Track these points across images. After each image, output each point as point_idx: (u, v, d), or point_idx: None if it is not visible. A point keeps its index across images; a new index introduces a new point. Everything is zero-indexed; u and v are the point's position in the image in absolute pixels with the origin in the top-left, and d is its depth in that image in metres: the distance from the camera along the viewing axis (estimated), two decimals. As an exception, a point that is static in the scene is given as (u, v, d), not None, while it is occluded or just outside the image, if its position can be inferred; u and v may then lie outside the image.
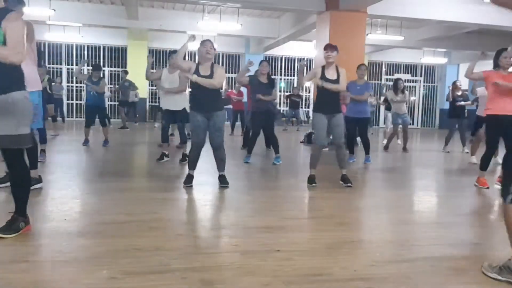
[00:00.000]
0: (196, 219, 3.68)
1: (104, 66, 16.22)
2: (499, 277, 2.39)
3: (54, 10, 11.08)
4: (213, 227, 3.40)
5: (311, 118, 12.77)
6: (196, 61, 4.66)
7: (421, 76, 19.27)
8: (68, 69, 16.02)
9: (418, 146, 9.63)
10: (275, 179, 5.05)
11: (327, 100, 4.87)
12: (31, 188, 3.79)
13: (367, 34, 10.67)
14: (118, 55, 16.13)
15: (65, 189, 4.70)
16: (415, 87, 19.10)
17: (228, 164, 6.54)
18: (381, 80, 18.59)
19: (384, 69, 18.71)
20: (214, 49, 4.59)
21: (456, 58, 18.03)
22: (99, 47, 16.13)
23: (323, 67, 4.96)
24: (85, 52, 16.11)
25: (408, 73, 19.01)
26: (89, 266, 2.45)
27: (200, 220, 3.66)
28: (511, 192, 2.30)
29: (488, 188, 5.08)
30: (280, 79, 18.44)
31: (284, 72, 18.42)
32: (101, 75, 8.36)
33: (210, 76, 4.47)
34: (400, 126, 9.00)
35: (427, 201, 4.74)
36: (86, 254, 2.64)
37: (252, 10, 12.81)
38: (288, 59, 18.22)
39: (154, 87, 14.15)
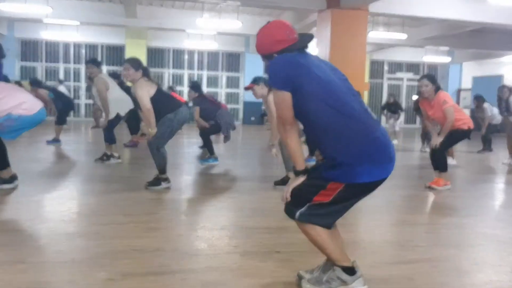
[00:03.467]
0: (196, 220, 3.66)
1: (102, 64, 16.18)
2: None
3: (52, 8, 11.03)
4: (213, 228, 3.37)
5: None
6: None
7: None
8: (65, 68, 15.99)
9: (417, 145, 9.63)
10: (274, 179, 5.02)
11: None
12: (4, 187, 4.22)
13: (368, 32, 10.62)
14: (116, 54, 16.09)
15: (62, 189, 4.68)
16: (416, 87, 19.06)
17: (225, 164, 6.55)
18: (383, 79, 18.56)
19: (386, 68, 18.66)
20: (136, 68, 4.49)
21: (459, 57, 17.98)
22: (97, 46, 16.09)
23: None
24: (83, 51, 16.08)
25: (410, 72, 18.97)
26: (87, 267, 2.43)
27: (199, 221, 3.64)
28: (297, 209, 2.10)
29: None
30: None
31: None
32: None
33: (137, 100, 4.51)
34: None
35: (428, 202, 4.72)
36: (85, 255, 2.62)
37: (252, 8, 12.77)
38: (288, 58, 18.17)
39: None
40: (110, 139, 6.23)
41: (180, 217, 3.73)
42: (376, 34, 12.54)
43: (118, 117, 6.24)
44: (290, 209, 2.16)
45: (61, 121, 8.31)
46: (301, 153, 2.11)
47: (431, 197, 4.85)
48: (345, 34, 9.13)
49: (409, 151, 9.53)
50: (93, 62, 6.19)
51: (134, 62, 4.56)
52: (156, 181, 4.58)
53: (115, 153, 6.29)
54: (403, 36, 13.00)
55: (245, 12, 13.10)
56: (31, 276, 2.31)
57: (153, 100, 4.43)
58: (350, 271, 2.15)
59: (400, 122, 10.80)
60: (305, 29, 12.35)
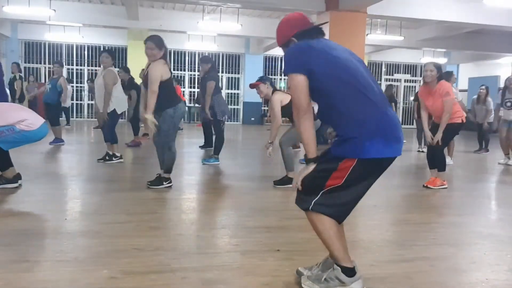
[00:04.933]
0: (196, 219, 3.68)
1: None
2: None
3: (55, 10, 11.08)
4: (213, 227, 3.40)
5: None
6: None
7: (420, 76, 19.25)
8: (68, 69, 16.03)
9: (415, 145, 9.64)
10: (274, 179, 5.05)
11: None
12: (8, 186, 4.24)
13: (367, 34, 10.67)
14: (118, 55, 16.10)
15: (65, 188, 4.71)
16: (415, 87, 19.10)
17: (226, 164, 6.58)
18: (381, 80, 18.60)
19: (384, 69, 18.72)
20: (160, 48, 4.43)
21: (455, 58, 18.04)
22: (99, 47, 16.12)
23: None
24: (85, 52, 16.12)
25: (407, 73, 19.02)
26: (89, 266, 2.45)
27: (200, 220, 3.66)
28: (311, 198, 2.11)
29: (446, 187, 5.13)
30: (280, 79, 18.45)
31: (284, 72, 18.42)
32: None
33: (147, 73, 4.44)
34: None
35: (426, 201, 4.74)
36: (87, 254, 2.65)
37: (252, 10, 12.81)
38: (288, 59, 18.20)
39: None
40: (112, 138, 6.26)
41: (180, 216, 3.75)
42: (374, 36, 12.59)
43: (116, 115, 6.27)
44: (302, 199, 2.16)
45: (56, 122, 8.30)
46: (314, 141, 2.12)
47: (428, 196, 4.88)
48: (344, 36, 9.14)
49: (407, 151, 9.55)
50: (109, 52, 6.35)
51: (159, 41, 4.43)
52: (158, 181, 4.61)
53: (116, 153, 6.32)
54: (400, 38, 13.06)
55: (245, 14, 13.15)
56: (34, 275, 2.33)
57: (162, 85, 4.33)
58: (350, 272, 2.15)
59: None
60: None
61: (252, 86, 5.11)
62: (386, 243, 3.16)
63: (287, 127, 5.18)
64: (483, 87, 9.27)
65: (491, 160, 8.32)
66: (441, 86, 4.89)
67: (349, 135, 2.01)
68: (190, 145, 9.20)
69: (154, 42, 4.44)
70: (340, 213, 2.14)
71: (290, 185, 4.87)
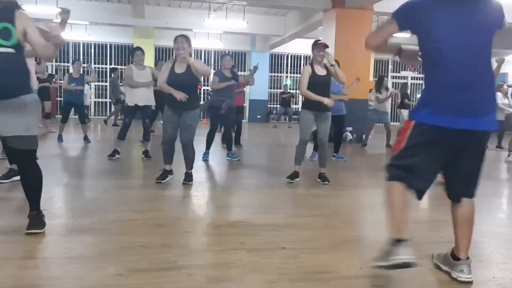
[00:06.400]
0: (202, 217, 3.69)
1: (110, 64, 16.28)
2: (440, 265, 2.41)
3: (61, 8, 11.13)
4: (219, 225, 3.41)
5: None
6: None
7: (427, 73, 19.15)
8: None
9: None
10: (280, 177, 5.05)
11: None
12: (12, 180, 4.24)
13: (373, 32, 10.62)
14: (124, 53, 16.18)
15: (72, 185, 4.74)
16: (421, 84, 18.99)
17: (232, 162, 6.59)
18: (387, 77, 18.51)
19: (390, 67, 18.63)
20: (189, 45, 4.57)
21: (463, 55, 17.90)
22: (106, 45, 16.20)
23: (311, 65, 4.93)
24: (92, 50, 16.18)
25: (414, 71, 18.90)
26: (96, 263, 2.47)
27: (206, 217, 3.67)
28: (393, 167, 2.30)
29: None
30: (286, 76, 18.43)
31: (290, 69, 18.41)
32: (82, 71, 8.60)
33: (186, 72, 4.51)
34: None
35: (431, 199, 4.72)
36: (93, 251, 2.66)
37: (258, 8, 12.81)
38: (294, 57, 18.20)
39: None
40: (124, 135, 6.32)
41: (187, 214, 3.76)
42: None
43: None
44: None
45: (85, 119, 8.56)
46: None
47: (433, 194, 4.84)
48: (350, 33, 9.13)
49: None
50: (143, 51, 6.70)
51: (188, 39, 4.65)
52: (164, 175, 4.71)
53: (118, 148, 6.38)
54: (407, 35, 12.98)
55: (251, 11, 13.14)
56: (41, 272, 2.36)
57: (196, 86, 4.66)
58: (395, 242, 2.22)
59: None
60: (310, 28, 12.36)
61: (324, 45, 4.89)
62: (392, 241, 3.14)
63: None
64: (505, 83, 9.37)
65: (499, 158, 8.26)
66: None
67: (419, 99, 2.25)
68: (196, 143, 9.21)
69: (185, 38, 4.66)
70: (409, 176, 2.23)
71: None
